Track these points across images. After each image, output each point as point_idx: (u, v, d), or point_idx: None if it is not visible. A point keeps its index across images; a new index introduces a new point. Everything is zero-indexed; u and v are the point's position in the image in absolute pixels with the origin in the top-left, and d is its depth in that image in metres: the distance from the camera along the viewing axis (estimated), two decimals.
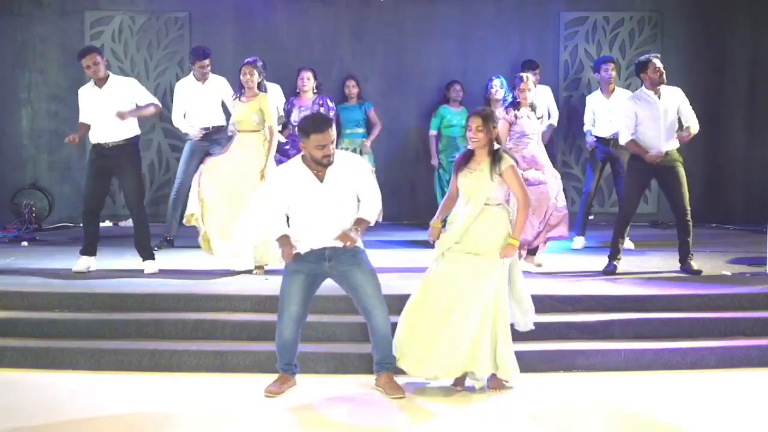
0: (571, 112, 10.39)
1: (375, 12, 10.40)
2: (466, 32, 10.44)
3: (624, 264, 7.33)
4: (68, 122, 10.18)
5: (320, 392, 5.39)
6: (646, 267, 7.38)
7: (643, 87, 7.19)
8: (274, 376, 5.44)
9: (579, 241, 8.64)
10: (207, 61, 8.42)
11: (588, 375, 5.74)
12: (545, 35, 10.52)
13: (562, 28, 10.52)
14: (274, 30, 10.35)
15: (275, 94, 8.80)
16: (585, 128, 8.95)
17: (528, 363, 5.65)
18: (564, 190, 7.41)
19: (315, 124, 5.14)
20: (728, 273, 7.21)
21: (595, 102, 8.84)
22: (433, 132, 9.38)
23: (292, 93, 8.97)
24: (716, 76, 10.43)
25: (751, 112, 10.60)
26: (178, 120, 8.63)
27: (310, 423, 4.97)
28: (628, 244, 8.21)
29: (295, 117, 8.42)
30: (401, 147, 10.40)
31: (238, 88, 7.38)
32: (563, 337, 6.02)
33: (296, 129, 8.19)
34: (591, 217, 9.27)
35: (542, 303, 6.23)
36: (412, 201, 10.28)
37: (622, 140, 7.20)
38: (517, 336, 5.56)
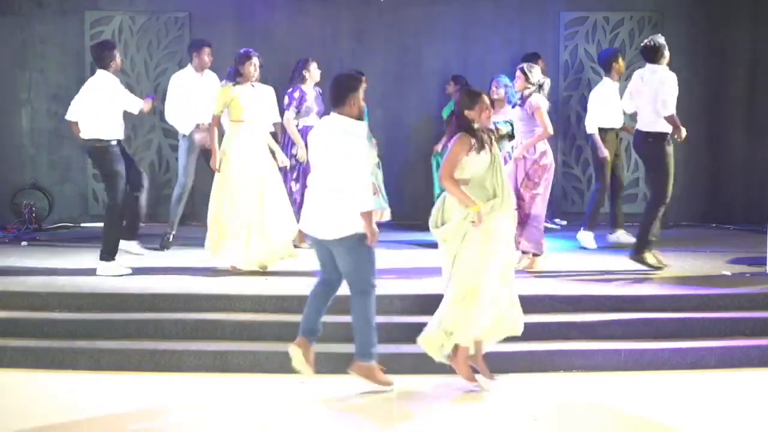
0: (572, 113, 10.39)
1: (375, 12, 10.40)
2: (467, 32, 10.44)
3: (624, 264, 7.33)
4: (68, 122, 10.21)
5: (320, 392, 5.39)
6: (646, 267, 7.37)
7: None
8: (275, 376, 5.46)
9: (587, 238, 8.52)
10: (210, 49, 8.44)
11: (588, 375, 5.74)
12: (545, 35, 10.51)
13: (562, 28, 10.51)
14: (274, 30, 10.34)
15: (270, 97, 8.79)
16: (595, 127, 8.67)
17: (528, 363, 5.66)
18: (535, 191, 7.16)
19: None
20: (728, 273, 7.21)
21: (610, 92, 8.65)
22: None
23: (283, 89, 8.88)
24: (716, 76, 10.42)
25: (751, 111, 10.59)
26: (173, 115, 8.54)
27: (309, 422, 4.97)
28: (627, 238, 8.26)
29: (303, 107, 8.20)
30: (402, 147, 10.39)
31: (234, 75, 7.16)
32: (563, 337, 6.03)
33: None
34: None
35: (542, 303, 6.26)
36: (413, 201, 10.27)
37: (669, 111, 7.10)
38: (519, 336, 5.56)
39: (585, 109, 9.37)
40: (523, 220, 7.07)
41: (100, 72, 7.33)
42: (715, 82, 10.37)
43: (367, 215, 5.16)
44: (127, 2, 10.33)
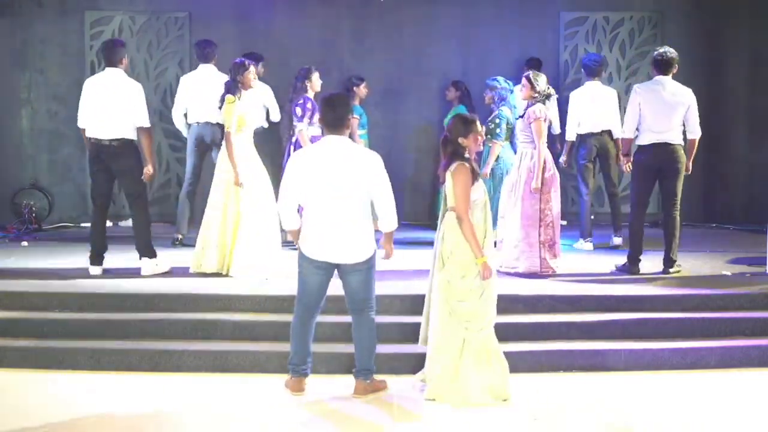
0: None
1: (375, 12, 10.40)
2: (467, 32, 10.45)
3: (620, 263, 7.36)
4: (68, 122, 10.19)
5: (320, 392, 5.39)
6: (645, 267, 7.36)
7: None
8: (275, 376, 5.45)
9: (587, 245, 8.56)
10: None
11: (588, 375, 5.74)
12: (545, 35, 10.52)
13: (562, 28, 10.52)
14: (274, 30, 10.36)
15: (268, 94, 8.80)
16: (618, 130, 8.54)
17: (528, 363, 5.66)
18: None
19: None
20: (728, 273, 7.21)
21: (594, 95, 8.61)
22: None
23: (286, 93, 8.87)
24: (716, 76, 10.43)
25: (751, 112, 10.60)
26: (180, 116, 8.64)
27: (309, 423, 4.97)
28: (618, 241, 8.29)
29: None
30: (401, 147, 10.40)
31: (233, 87, 7.09)
32: (563, 337, 6.02)
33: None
34: (591, 217, 9.25)
35: (542, 303, 6.26)
36: (413, 201, 10.28)
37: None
38: (518, 336, 5.56)
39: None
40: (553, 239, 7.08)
41: (116, 70, 7.07)
42: (715, 82, 10.38)
43: (392, 234, 5.31)
44: (127, 2, 10.34)
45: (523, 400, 5.25)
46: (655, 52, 7.23)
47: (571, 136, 8.58)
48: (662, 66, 7.12)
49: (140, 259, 7.11)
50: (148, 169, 7.08)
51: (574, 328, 6.08)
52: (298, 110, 8.09)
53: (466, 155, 5.27)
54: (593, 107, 8.50)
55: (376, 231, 5.30)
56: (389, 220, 5.25)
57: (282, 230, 7.67)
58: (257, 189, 7.07)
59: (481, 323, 5.19)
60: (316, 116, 8.09)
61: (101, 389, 5.46)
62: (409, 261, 7.46)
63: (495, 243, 5.62)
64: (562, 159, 8.63)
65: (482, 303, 5.19)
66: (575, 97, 8.63)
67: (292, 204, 5.22)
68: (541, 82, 7.17)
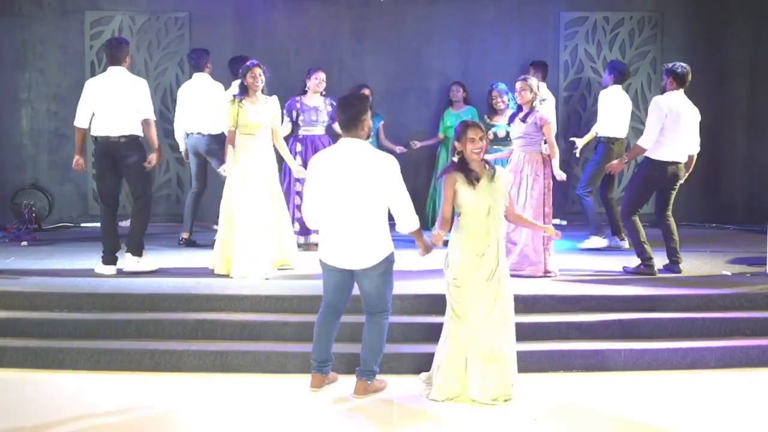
0: (571, 113, 10.40)
1: (375, 12, 10.40)
2: (467, 32, 10.45)
3: (624, 263, 7.36)
4: (68, 122, 10.16)
5: (320, 392, 5.38)
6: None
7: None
8: (275, 376, 5.44)
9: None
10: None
11: (588, 375, 5.75)
12: (545, 35, 10.52)
13: (562, 28, 10.52)
14: (274, 30, 10.36)
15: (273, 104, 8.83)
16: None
17: (528, 363, 5.65)
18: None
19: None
20: (728, 273, 7.22)
21: (621, 99, 8.65)
22: (440, 135, 9.50)
23: (286, 93, 8.89)
24: (716, 76, 10.43)
25: (751, 111, 10.60)
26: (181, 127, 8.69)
27: (309, 423, 4.97)
28: (626, 243, 8.26)
29: (301, 117, 8.32)
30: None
31: (242, 90, 7.14)
32: (563, 337, 6.03)
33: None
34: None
35: (542, 303, 6.27)
36: (413, 201, 10.25)
37: None
38: (518, 336, 5.54)
39: (584, 109, 9.32)
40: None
41: (120, 68, 7.10)
42: (715, 82, 10.38)
43: (419, 232, 5.24)
44: (127, 2, 10.35)
45: (523, 400, 5.26)
46: (675, 65, 7.15)
47: (603, 131, 8.57)
48: (682, 80, 7.10)
49: (125, 253, 7.12)
50: (152, 158, 7.12)
51: (574, 328, 6.08)
52: (284, 111, 8.24)
53: (465, 157, 5.25)
54: (620, 112, 8.55)
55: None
56: (408, 223, 5.20)
57: (299, 233, 7.80)
58: (264, 188, 7.07)
59: (488, 324, 5.18)
60: (311, 116, 8.19)
61: (101, 389, 5.46)
62: (409, 261, 7.45)
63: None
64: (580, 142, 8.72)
65: (492, 305, 5.20)
66: (610, 96, 8.56)
67: (314, 207, 5.20)
68: (536, 84, 7.21)
